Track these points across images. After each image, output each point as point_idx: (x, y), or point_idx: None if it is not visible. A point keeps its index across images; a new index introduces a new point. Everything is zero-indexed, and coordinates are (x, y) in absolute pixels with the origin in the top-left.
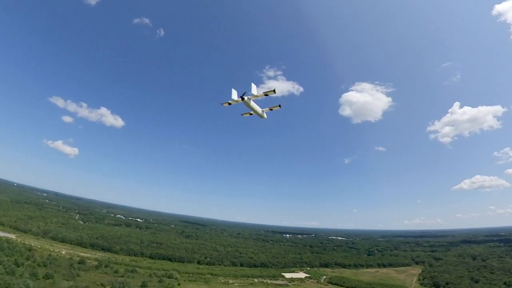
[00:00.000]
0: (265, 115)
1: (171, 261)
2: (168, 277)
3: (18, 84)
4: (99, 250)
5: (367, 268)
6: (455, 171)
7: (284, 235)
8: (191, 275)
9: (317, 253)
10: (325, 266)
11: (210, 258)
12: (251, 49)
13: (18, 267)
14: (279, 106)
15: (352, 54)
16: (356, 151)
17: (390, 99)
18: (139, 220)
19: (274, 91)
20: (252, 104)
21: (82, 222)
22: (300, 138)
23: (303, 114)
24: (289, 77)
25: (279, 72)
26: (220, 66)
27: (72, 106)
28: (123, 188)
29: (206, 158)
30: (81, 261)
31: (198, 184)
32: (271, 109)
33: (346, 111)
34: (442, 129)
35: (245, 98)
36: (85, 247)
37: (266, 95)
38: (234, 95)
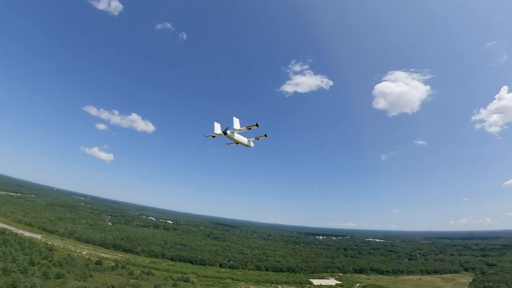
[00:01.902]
0: (251, 144)
1: (192, 263)
2: (184, 281)
3: (54, 96)
4: (121, 251)
5: (408, 275)
6: (506, 164)
7: (317, 236)
8: (209, 279)
9: (351, 257)
10: (359, 272)
11: (233, 261)
12: (274, 45)
13: (33, 265)
14: (265, 135)
15: (382, 40)
16: (394, 146)
17: (428, 87)
18: (169, 221)
19: (257, 125)
20: (236, 136)
21: (110, 224)
22: (334, 135)
23: (335, 110)
24: (317, 71)
25: (305, 66)
26: (245, 66)
27: (104, 114)
28: (157, 190)
29: (238, 159)
30: (98, 262)
31: (231, 185)
32: (257, 139)
33: (380, 104)
34: (489, 118)
35: (228, 132)
36: (108, 248)
37: (249, 128)
38: (217, 128)
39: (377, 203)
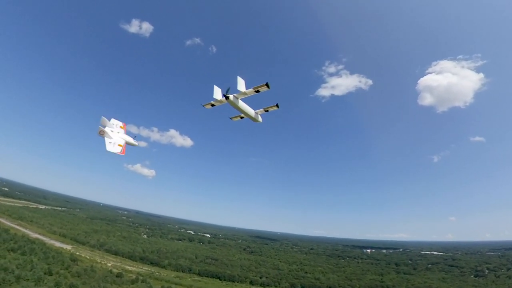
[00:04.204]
0: (259, 118)
1: (220, 279)
2: None
3: (98, 118)
4: (148, 264)
5: None
6: None
7: (365, 250)
8: None
9: (404, 273)
10: None
11: (266, 277)
12: (305, 48)
13: (51, 275)
14: (277, 105)
15: (420, 27)
16: (447, 145)
17: (481, 75)
18: (207, 235)
19: (267, 85)
20: (241, 104)
21: (146, 236)
22: (378, 138)
23: (377, 110)
24: (353, 70)
25: (340, 67)
26: (277, 73)
27: (144, 132)
28: (198, 204)
29: (277, 169)
30: (119, 274)
31: (272, 197)
32: (267, 110)
33: (427, 100)
34: None
35: (231, 97)
36: (135, 261)
37: (257, 91)
38: (217, 93)
39: (431, 211)
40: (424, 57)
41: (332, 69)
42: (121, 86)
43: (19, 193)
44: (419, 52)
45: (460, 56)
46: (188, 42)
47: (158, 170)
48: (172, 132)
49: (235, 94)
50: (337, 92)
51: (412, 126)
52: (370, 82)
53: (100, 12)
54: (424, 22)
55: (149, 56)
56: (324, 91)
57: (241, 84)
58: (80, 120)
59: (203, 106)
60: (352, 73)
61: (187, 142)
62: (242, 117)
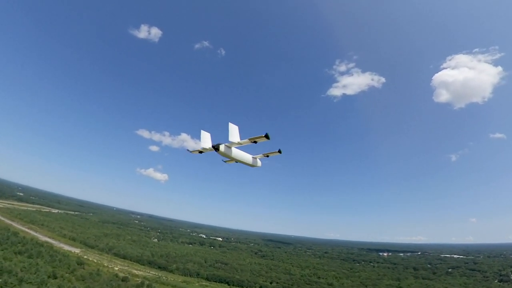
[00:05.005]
0: (258, 163)
1: (228, 284)
2: None
3: (110, 123)
4: (155, 268)
5: None
6: None
7: (381, 253)
8: None
9: (423, 278)
10: None
11: (276, 283)
12: (314, 47)
13: (55, 278)
14: (279, 151)
15: (433, 20)
16: (465, 143)
17: (499, 68)
18: (218, 238)
19: (266, 136)
20: (235, 153)
21: (156, 240)
22: (393, 138)
23: (391, 109)
24: (365, 68)
25: (351, 65)
26: (286, 74)
27: (156, 136)
28: (211, 208)
29: (290, 172)
30: (125, 279)
31: (286, 200)
32: (267, 156)
33: (442, 96)
34: None
35: (221, 148)
36: (143, 265)
37: (255, 142)
38: (206, 140)
39: (450, 212)
40: (438, 52)
41: (342, 68)
42: (132, 91)
43: (33, 197)
44: (433, 47)
45: (476, 49)
46: (197, 46)
47: (171, 174)
48: (184, 136)
49: (226, 144)
50: (349, 91)
51: (428, 124)
52: (383, 79)
53: (109, 18)
54: (437, 15)
55: (159, 61)
56: (335, 91)
57: (233, 133)
58: (93, 126)
59: (190, 152)
60: (364, 71)
61: (199, 146)
62: (237, 161)
